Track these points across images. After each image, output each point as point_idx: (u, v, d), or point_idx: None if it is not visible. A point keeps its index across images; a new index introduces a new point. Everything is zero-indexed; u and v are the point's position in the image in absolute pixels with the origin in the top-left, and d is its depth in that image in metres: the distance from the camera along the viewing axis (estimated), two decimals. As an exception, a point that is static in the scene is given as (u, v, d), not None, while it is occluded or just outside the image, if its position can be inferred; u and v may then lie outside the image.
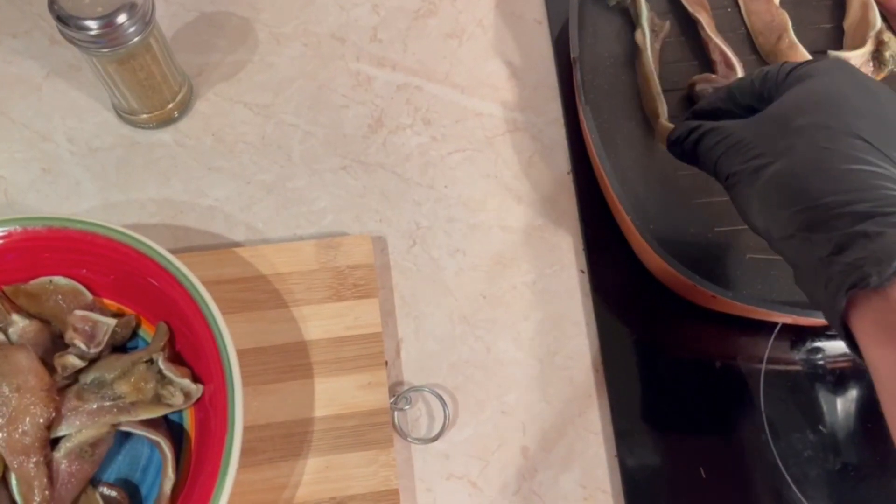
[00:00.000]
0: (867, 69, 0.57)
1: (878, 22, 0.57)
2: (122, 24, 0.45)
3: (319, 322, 0.48)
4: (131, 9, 0.46)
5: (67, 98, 0.56)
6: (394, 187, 0.55)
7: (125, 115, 0.55)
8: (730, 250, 0.52)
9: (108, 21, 0.45)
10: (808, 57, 0.56)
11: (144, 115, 0.54)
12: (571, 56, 0.52)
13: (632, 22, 0.60)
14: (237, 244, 0.52)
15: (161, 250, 0.44)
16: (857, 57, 0.56)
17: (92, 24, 0.45)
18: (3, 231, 0.43)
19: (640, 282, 0.52)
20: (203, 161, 0.55)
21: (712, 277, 0.51)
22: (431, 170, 0.56)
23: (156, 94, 0.53)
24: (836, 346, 0.51)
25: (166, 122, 0.55)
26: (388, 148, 0.56)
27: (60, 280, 0.44)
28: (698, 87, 0.55)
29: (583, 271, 0.53)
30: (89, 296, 0.45)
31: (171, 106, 0.54)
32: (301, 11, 0.60)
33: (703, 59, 0.58)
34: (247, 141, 0.56)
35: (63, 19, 0.45)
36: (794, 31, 0.58)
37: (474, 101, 0.58)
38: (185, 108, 0.56)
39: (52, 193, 0.53)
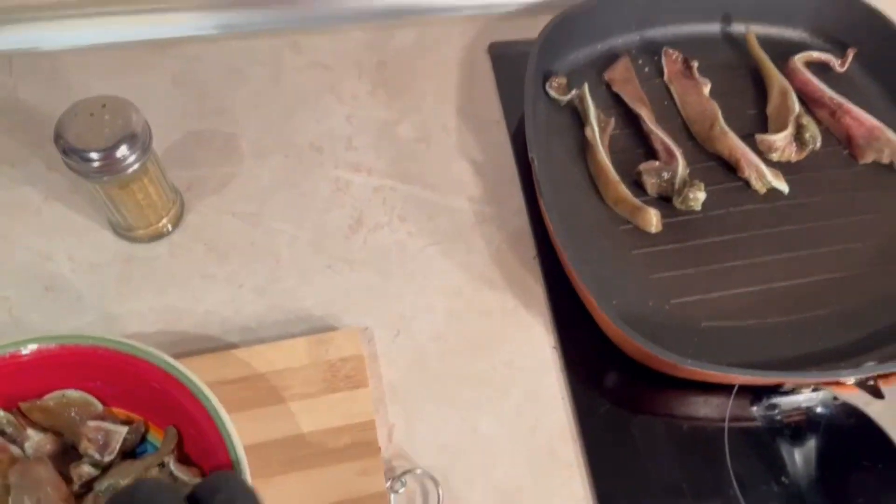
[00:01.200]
0: (790, 149, 0.64)
1: (797, 107, 0.64)
2: (123, 154, 0.50)
3: (316, 414, 0.52)
4: (132, 139, 0.51)
5: (66, 219, 0.60)
6: (376, 281, 0.59)
7: (122, 232, 0.59)
8: (686, 320, 0.58)
9: (110, 153, 0.50)
10: (739, 143, 0.63)
11: (140, 231, 0.58)
12: (529, 156, 0.58)
13: (580, 118, 0.66)
14: (233, 345, 0.56)
15: (166, 357, 0.47)
16: (781, 139, 0.63)
17: (95, 155, 0.50)
18: (16, 351, 0.46)
19: (607, 354, 0.57)
20: (197, 270, 0.59)
21: (671, 346, 0.55)
22: (410, 263, 0.60)
23: (152, 211, 0.57)
24: (791, 402, 0.56)
25: (160, 235, 0.59)
26: (369, 245, 0.61)
27: (73, 393, 0.47)
28: (644, 175, 0.62)
29: (555, 348, 0.58)
30: (100, 406, 0.48)
31: (164, 220, 0.59)
32: (281, 125, 0.66)
33: (648, 148, 0.65)
34: (237, 248, 0.60)
35: (68, 152, 0.50)
36: (724, 118, 0.65)
37: (444, 197, 0.63)
38: (177, 221, 0.60)
39: (55, 310, 0.56)
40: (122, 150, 0.50)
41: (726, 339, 0.57)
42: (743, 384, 0.55)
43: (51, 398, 0.47)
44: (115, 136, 0.50)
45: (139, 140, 0.51)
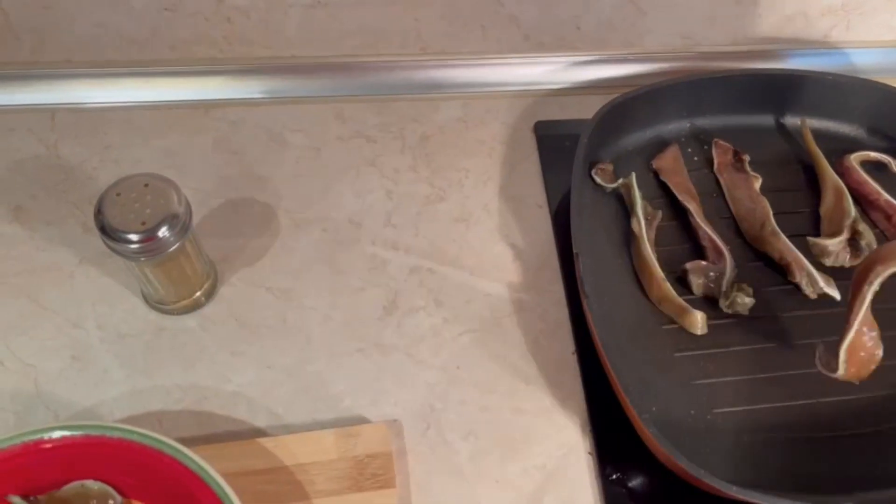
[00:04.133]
0: (844, 255, 0.61)
1: (853, 211, 0.62)
2: (162, 236, 0.49)
3: (340, 514, 0.50)
4: (172, 220, 0.50)
5: (98, 285, 0.59)
6: (408, 369, 0.58)
7: (154, 304, 0.58)
8: (729, 432, 0.55)
9: (149, 235, 0.49)
10: (790, 246, 0.60)
11: (172, 304, 0.57)
12: (574, 251, 0.57)
13: (626, 206, 0.65)
14: (259, 430, 0.54)
15: (190, 454, 0.46)
16: (835, 244, 0.61)
17: (134, 237, 0.49)
18: (41, 438, 0.45)
19: (646, 463, 0.54)
20: (226, 346, 0.57)
21: (713, 460, 0.53)
22: (444, 351, 0.59)
23: (185, 286, 0.56)
24: (837, 528, 0.53)
25: (193, 308, 0.58)
26: (402, 329, 0.59)
27: (92, 484, 0.46)
28: (691, 275, 0.60)
29: (590, 453, 0.55)
30: (119, 498, 0.46)
31: (198, 294, 0.58)
32: (320, 198, 0.65)
33: (695, 243, 0.63)
34: (269, 325, 0.59)
35: (107, 231, 0.49)
36: (775, 216, 0.63)
37: (482, 282, 0.62)
38: (211, 294, 0.59)
39: (80, 382, 0.55)
40: (162, 232, 0.49)
41: (770, 455, 0.54)
42: (788, 509, 0.52)
43: (70, 489, 0.46)
44: (155, 217, 0.49)
45: (179, 221, 0.50)
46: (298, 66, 0.69)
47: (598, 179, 0.65)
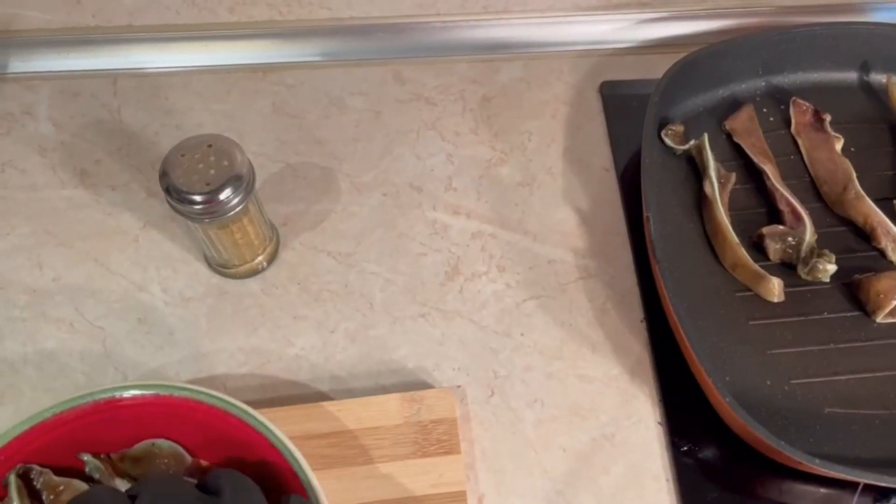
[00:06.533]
0: (935, 219, 0.58)
1: (943, 172, 0.58)
2: (226, 197, 0.49)
3: (405, 479, 0.49)
4: (236, 181, 0.49)
5: (162, 249, 0.59)
6: (471, 335, 0.57)
7: (216, 267, 0.58)
8: (808, 404, 0.53)
9: (213, 196, 0.48)
10: (875, 209, 0.57)
11: (235, 268, 0.57)
12: (644, 214, 0.54)
13: (697, 169, 0.62)
14: (323, 394, 0.54)
15: (257, 415, 0.45)
16: (925, 208, 0.57)
17: (198, 198, 0.48)
18: (114, 396, 0.45)
19: (719, 433, 0.52)
20: (289, 310, 0.57)
21: (791, 433, 0.51)
22: (507, 317, 0.57)
23: (248, 249, 0.56)
24: (923, 505, 0.51)
25: (255, 272, 0.58)
26: (464, 295, 0.58)
27: (162, 443, 0.46)
28: (767, 240, 0.57)
29: (660, 423, 0.53)
30: (189, 458, 0.46)
31: (260, 257, 0.57)
32: (380, 161, 0.64)
33: (771, 206, 0.60)
34: (330, 289, 0.58)
35: (172, 192, 0.49)
36: (858, 178, 0.59)
37: (546, 247, 0.60)
38: (272, 258, 0.58)
39: (147, 344, 0.56)
40: (226, 193, 0.49)
41: (852, 429, 0.52)
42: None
43: (141, 447, 0.46)
44: (219, 178, 0.49)
45: (243, 182, 0.49)
46: (357, 27, 0.68)
47: (668, 141, 0.62)
